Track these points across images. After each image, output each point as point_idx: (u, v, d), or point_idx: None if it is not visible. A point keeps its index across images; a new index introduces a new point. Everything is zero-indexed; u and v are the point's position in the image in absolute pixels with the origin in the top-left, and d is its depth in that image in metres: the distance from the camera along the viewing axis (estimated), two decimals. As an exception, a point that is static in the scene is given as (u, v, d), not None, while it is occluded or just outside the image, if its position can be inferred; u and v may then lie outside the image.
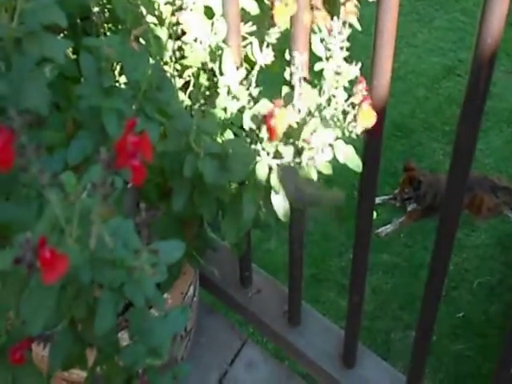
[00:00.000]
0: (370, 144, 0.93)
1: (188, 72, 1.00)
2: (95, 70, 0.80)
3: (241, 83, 0.96)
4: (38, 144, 0.54)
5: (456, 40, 3.23)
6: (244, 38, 1.10)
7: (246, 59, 1.15)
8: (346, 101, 0.87)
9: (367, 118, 0.85)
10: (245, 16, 1.11)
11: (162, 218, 0.91)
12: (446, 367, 2.03)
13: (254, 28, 1.25)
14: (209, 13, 1.05)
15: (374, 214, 1.12)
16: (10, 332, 0.62)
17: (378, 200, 2.43)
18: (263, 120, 0.80)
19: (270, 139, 0.79)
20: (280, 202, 0.91)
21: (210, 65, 1.00)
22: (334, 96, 0.88)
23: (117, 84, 0.86)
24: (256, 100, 0.96)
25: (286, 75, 1.18)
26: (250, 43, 1.23)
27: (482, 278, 2.29)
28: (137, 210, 0.60)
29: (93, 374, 0.69)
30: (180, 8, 0.89)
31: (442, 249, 0.97)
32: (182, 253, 0.68)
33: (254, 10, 1.20)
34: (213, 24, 1.02)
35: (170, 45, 0.90)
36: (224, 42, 1.01)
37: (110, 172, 0.57)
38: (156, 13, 0.94)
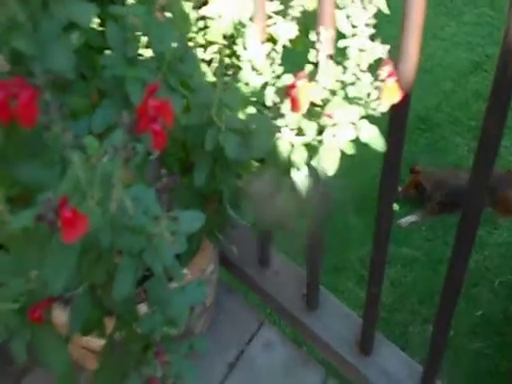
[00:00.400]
0: (394, 128, 0.91)
1: (212, 48, 0.99)
2: (121, 40, 0.79)
3: (265, 59, 0.95)
4: (61, 103, 0.54)
5: (484, 35, 3.17)
6: (269, 17, 1.09)
7: (271, 39, 1.14)
8: (370, 83, 0.85)
9: (392, 94, 0.83)
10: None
11: (183, 192, 0.90)
12: (463, 363, 2.01)
13: (281, 7, 1.24)
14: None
15: (396, 206, 1.11)
16: (31, 292, 0.62)
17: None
18: (286, 91, 0.78)
19: (293, 110, 0.78)
20: (302, 180, 0.90)
21: (234, 40, 0.99)
22: (358, 74, 0.87)
23: (141, 55, 0.86)
24: (279, 76, 0.94)
25: (310, 56, 1.17)
26: (275, 23, 1.23)
27: (504, 277, 2.25)
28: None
29: (111, 341, 0.69)
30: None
31: (463, 245, 0.96)
32: (202, 223, 0.67)
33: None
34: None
35: (194, 17, 0.89)
36: (250, 19, 1.00)
37: (132, 136, 0.56)
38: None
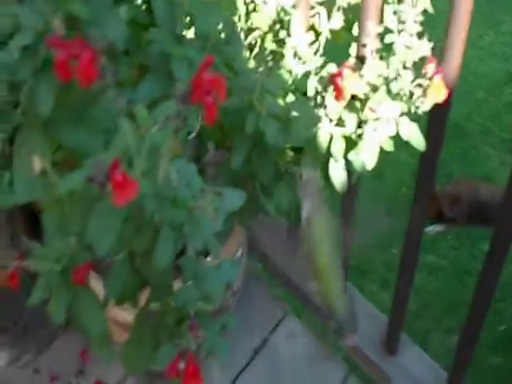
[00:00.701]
0: (433, 127, 0.90)
1: (254, 34, 1.00)
2: (169, 17, 0.80)
3: (308, 47, 0.95)
4: (116, 69, 0.55)
5: (522, 47, 3.14)
6: (312, 8, 1.09)
7: (312, 29, 1.14)
8: (414, 80, 0.85)
9: (438, 92, 0.82)
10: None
11: (225, 170, 0.90)
12: (482, 379, 1.98)
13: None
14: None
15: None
16: (73, 254, 0.63)
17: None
18: (331, 79, 0.78)
19: (337, 99, 0.77)
20: (338, 172, 0.90)
21: (278, 27, 0.99)
22: (402, 70, 0.86)
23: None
24: (322, 66, 0.94)
25: (351, 50, 1.17)
26: (318, 13, 1.23)
27: (531, 294, 2.22)
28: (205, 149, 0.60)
29: (145, 311, 0.69)
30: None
31: (494, 258, 0.95)
32: (243, 202, 0.68)
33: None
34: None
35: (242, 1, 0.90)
36: (293, 7, 1.00)
37: (185, 107, 0.57)
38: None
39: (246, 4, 0.91)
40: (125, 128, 0.56)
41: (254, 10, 0.91)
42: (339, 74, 0.76)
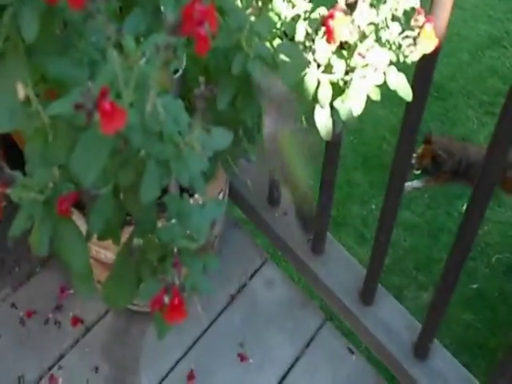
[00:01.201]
0: (419, 80, 0.90)
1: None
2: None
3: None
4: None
5: (506, 10, 3.13)
6: None
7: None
8: (402, 32, 0.84)
9: (429, 41, 0.82)
10: None
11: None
12: (453, 334, 2.04)
13: None
14: None
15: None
16: (57, 185, 0.62)
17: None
18: (322, 22, 0.77)
19: (328, 41, 0.76)
20: (324, 120, 0.89)
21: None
22: (390, 20, 0.85)
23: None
24: (312, 10, 0.93)
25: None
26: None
27: (502, 255, 2.27)
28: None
29: (129, 246, 0.69)
30: None
31: (472, 218, 0.97)
32: (229, 142, 0.67)
33: None
34: None
35: None
36: None
37: (175, 37, 0.56)
38: None
39: None
40: (113, 58, 0.55)
41: None
42: (331, 16, 0.75)
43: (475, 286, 2.16)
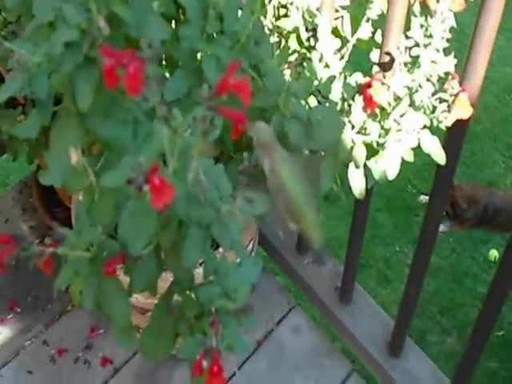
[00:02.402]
0: (452, 140, 0.91)
1: (279, 32, 1.01)
2: (199, 15, 0.81)
3: (334, 53, 0.96)
4: (161, 78, 0.56)
5: (533, 54, 3.15)
6: (336, 11, 1.10)
7: (334, 31, 1.15)
8: (435, 93, 0.87)
9: (463, 109, 0.84)
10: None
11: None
12: (479, 382, 2.01)
13: (348, 2, 1.25)
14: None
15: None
16: (102, 243, 0.65)
17: (423, 199, 2.41)
18: (360, 90, 0.80)
19: (366, 109, 0.79)
20: (358, 179, 0.91)
21: (303, 29, 1.01)
22: (425, 82, 0.88)
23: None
24: (348, 73, 0.96)
25: (372, 55, 1.18)
26: (341, 17, 1.24)
27: (528, 302, 2.25)
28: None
29: (167, 302, 0.72)
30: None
31: (503, 281, 0.96)
32: (266, 206, 0.70)
33: (350, -16, 1.20)
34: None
35: (272, 5, 0.91)
36: (317, 9, 1.01)
37: (210, 110, 0.58)
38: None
39: (274, 6, 0.92)
40: (162, 132, 0.58)
41: (283, 7, 0.92)
42: (369, 86, 0.78)
43: (501, 333, 2.13)
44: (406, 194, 2.46)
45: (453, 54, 0.86)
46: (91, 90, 0.65)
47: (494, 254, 2.33)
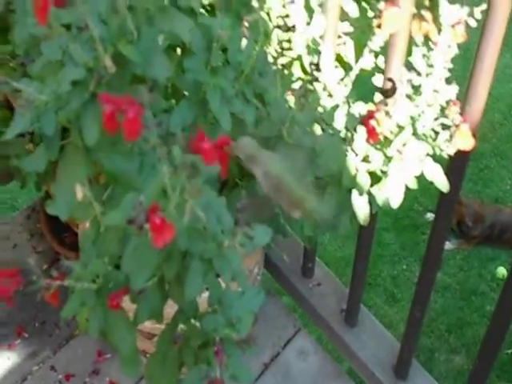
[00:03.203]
0: (455, 166, 0.92)
1: (281, 60, 1.02)
2: (204, 47, 0.83)
3: (337, 82, 0.98)
4: (160, 121, 0.58)
5: (538, 71, 3.15)
6: (339, 37, 1.12)
7: (337, 58, 1.17)
8: (436, 119, 0.88)
9: (465, 140, 0.85)
10: (342, 15, 1.13)
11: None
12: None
13: (351, 29, 1.27)
14: (307, 5, 1.08)
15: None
16: (108, 275, 0.67)
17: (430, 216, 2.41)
18: (363, 121, 0.81)
19: (369, 140, 0.80)
20: (362, 205, 0.92)
21: (306, 58, 1.02)
22: (427, 113, 0.89)
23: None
24: (351, 102, 0.97)
25: (374, 80, 1.19)
26: (344, 43, 1.26)
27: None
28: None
29: (173, 331, 0.73)
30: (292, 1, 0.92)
31: (510, 296, 0.96)
32: (269, 239, 0.71)
33: (353, 12, 1.22)
34: (311, 18, 1.05)
35: (276, 35, 0.92)
36: (320, 37, 1.03)
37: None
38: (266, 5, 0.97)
39: (282, 42, 0.94)
40: (164, 171, 0.59)
41: (289, 46, 0.94)
42: (371, 117, 0.79)
43: (510, 351, 2.12)
44: (412, 213, 2.47)
45: (454, 82, 0.87)
46: (97, 125, 0.67)
47: (501, 271, 2.32)
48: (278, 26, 0.89)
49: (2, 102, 1.24)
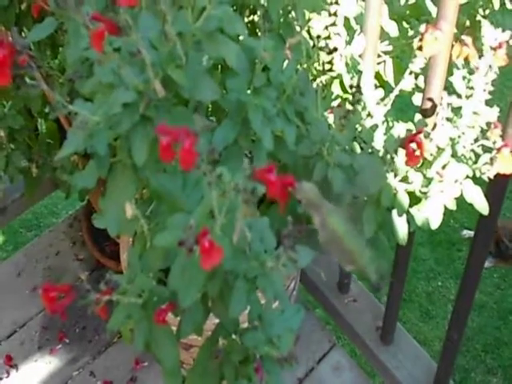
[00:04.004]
0: (495, 189, 0.92)
1: (321, 79, 1.04)
2: (247, 68, 0.85)
3: (376, 102, 0.99)
4: (213, 148, 0.60)
5: None
6: (378, 56, 1.13)
7: (376, 76, 1.18)
8: (476, 140, 0.88)
9: (506, 164, 0.85)
10: (382, 35, 1.14)
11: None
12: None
13: (390, 48, 1.28)
14: (347, 24, 1.09)
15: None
16: (153, 291, 0.69)
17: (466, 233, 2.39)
18: (403, 143, 0.82)
19: (411, 164, 0.81)
20: (401, 226, 0.93)
21: (346, 76, 1.04)
22: (468, 134, 0.89)
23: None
24: (387, 119, 0.98)
25: (414, 99, 1.20)
26: (384, 61, 1.27)
27: None
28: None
29: (213, 344, 0.74)
30: (334, 24, 0.93)
31: None
32: (310, 260, 0.72)
33: (393, 31, 1.23)
34: (351, 37, 1.06)
35: (318, 56, 0.94)
36: (360, 56, 1.04)
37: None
38: (307, 26, 0.99)
39: (325, 64, 0.96)
40: (212, 194, 0.61)
41: (330, 67, 0.96)
42: (411, 140, 0.80)
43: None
44: (448, 228, 2.44)
45: (495, 105, 0.87)
46: (146, 146, 0.69)
47: (540, 290, 2.28)
48: (320, 48, 0.91)
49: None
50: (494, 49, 0.87)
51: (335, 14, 0.95)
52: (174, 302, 0.69)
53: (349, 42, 1.07)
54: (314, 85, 1.06)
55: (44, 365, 1.39)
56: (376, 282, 0.73)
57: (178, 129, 0.57)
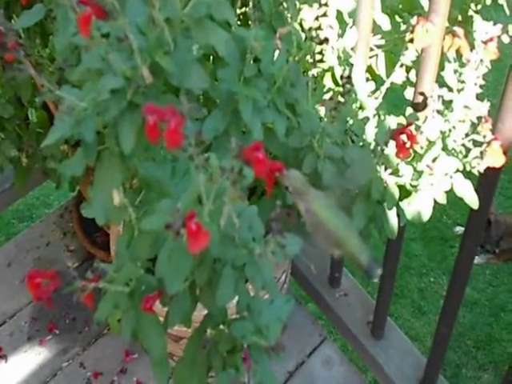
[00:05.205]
0: (485, 182, 0.92)
1: (313, 71, 1.03)
2: (237, 58, 0.85)
3: (369, 95, 0.98)
4: (199, 130, 0.60)
5: None
6: (371, 50, 1.13)
7: (368, 70, 1.17)
8: (467, 135, 0.88)
9: (496, 158, 0.85)
10: (374, 28, 1.14)
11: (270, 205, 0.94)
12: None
13: (382, 42, 1.28)
14: (340, 17, 1.09)
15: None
16: (140, 279, 0.68)
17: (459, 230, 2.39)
18: (393, 136, 0.82)
19: (402, 156, 0.81)
20: (391, 218, 0.92)
21: (338, 69, 1.03)
22: (458, 124, 0.89)
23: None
24: (378, 112, 0.98)
25: (406, 93, 1.20)
26: (376, 55, 1.26)
27: None
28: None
29: (201, 335, 0.74)
30: (325, 14, 0.93)
31: None
32: (299, 248, 0.72)
33: (385, 25, 1.23)
34: (343, 30, 1.06)
35: (308, 46, 0.94)
36: (352, 49, 1.04)
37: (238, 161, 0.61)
38: (299, 16, 0.99)
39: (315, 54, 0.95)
40: (200, 179, 0.61)
41: (321, 58, 0.95)
42: (402, 132, 0.79)
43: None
44: (440, 225, 2.45)
45: (486, 97, 0.87)
46: (134, 133, 0.69)
47: (532, 287, 2.29)
48: (311, 38, 0.90)
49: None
50: (485, 42, 0.87)
51: (326, 5, 0.94)
52: (161, 290, 0.68)
53: (341, 35, 1.07)
54: (306, 77, 1.06)
55: (33, 356, 1.39)
56: (369, 268, 0.74)
57: (165, 108, 0.56)
